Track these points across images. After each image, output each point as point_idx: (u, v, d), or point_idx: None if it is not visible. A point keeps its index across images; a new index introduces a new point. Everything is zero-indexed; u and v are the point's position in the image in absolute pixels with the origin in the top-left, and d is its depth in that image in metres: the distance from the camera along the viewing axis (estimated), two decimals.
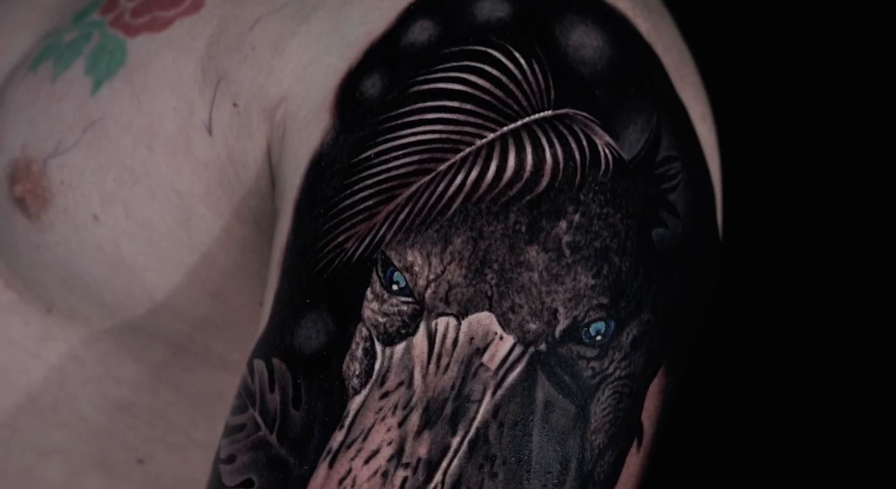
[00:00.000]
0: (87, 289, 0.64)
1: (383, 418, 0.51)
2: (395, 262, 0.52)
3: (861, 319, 0.91)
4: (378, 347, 0.52)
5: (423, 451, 0.51)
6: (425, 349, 0.52)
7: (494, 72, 0.53)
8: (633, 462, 0.55)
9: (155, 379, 0.66)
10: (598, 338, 0.52)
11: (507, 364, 0.51)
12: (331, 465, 0.51)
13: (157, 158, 0.61)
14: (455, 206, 0.52)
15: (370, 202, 0.53)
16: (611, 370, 0.53)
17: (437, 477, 0.51)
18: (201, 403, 0.67)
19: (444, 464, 0.51)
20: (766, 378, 0.92)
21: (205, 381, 0.67)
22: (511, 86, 0.53)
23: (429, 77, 0.54)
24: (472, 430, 0.51)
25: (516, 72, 0.53)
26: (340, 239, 0.53)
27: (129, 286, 0.63)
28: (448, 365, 0.51)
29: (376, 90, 0.55)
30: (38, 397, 0.67)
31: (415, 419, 0.51)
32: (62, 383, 0.67)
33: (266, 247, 0.61)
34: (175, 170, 0.61)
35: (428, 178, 0.52)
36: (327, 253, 0.53)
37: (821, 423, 0.92)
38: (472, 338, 0.51)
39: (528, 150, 0.52)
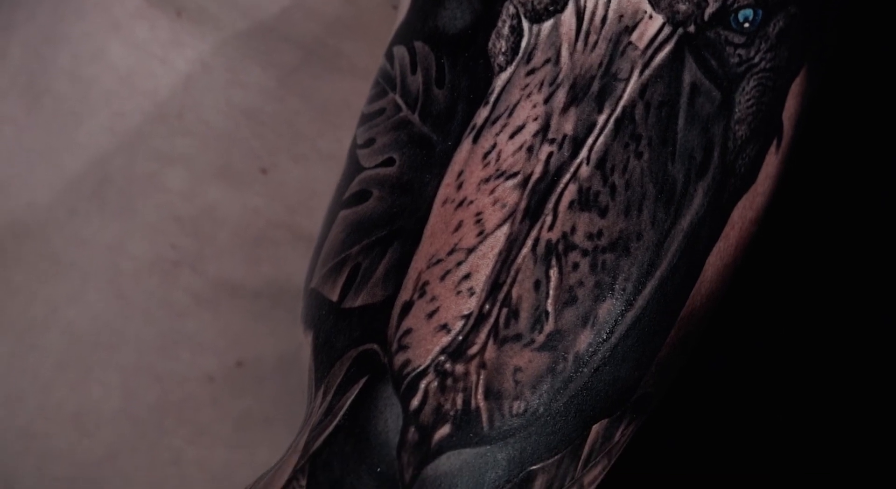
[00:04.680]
0: None
1: (529, 95, 0.51)
2: None
3: None
4: (525, 25, 0.51)
5: (568, 128, 0.50)
6: (573, 26, 0.51)
7: None
8: (772, 162, 0.54)
9: (283, 85, 0.66)
10: (746, 24, 0.51)
11: (656, 44, 0.51)
12: (475, 140, 0.51)
13: None
14: None
15: None
16: (756, 60, 0.52)
17: (583, 153, 0.50)
18: (328, 112, 0.67)
19: (590, 140, 0.50)
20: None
21: (333, 88, 0.66)
22: None
23: None
24: (619, 109, 0.50)
25: None
26: None
27: None
28: (596, 42, 0.51)
29: None
30: (163, 103, 0.67)
31: (561, 96, 0.51)
32: (188, 89, 0.67)
33: None
34: None
35: None
36: None
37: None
38: (621, 16, 0.51)
39: None
